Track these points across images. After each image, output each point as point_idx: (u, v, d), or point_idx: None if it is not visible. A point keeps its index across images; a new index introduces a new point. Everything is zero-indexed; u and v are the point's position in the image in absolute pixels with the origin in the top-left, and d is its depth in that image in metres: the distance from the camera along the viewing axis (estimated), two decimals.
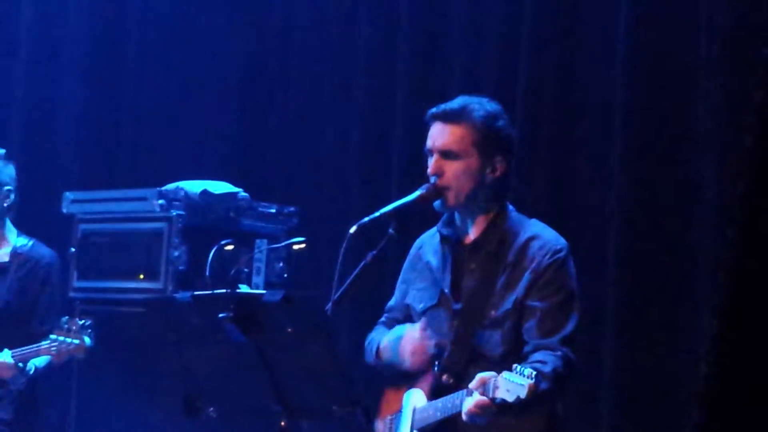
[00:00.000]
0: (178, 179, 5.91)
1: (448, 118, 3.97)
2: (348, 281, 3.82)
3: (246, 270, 5.72)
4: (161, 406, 5.51)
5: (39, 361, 5.35)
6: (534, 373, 3.46)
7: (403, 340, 3.93)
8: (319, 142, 6.39)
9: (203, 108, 6.88)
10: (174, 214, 5.70)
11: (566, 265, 3.92)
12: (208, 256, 5.60)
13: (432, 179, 3.95)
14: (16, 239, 5.64)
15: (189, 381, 3.89)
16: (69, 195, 6.08)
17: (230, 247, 5.65)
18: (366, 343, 4.18)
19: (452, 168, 3.93)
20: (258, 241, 5.81)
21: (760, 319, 1.82)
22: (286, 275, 5.86)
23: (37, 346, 5.20)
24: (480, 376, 3.58)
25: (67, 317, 5.25)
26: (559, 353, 3.78)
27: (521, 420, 3.81)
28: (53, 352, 5.19)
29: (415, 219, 4.11)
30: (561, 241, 3.96)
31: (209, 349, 3.80)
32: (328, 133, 6.37)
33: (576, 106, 5.45)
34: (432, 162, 3.97)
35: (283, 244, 5.49)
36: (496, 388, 3.50)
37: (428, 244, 4.15)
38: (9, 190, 5.61)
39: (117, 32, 7.22)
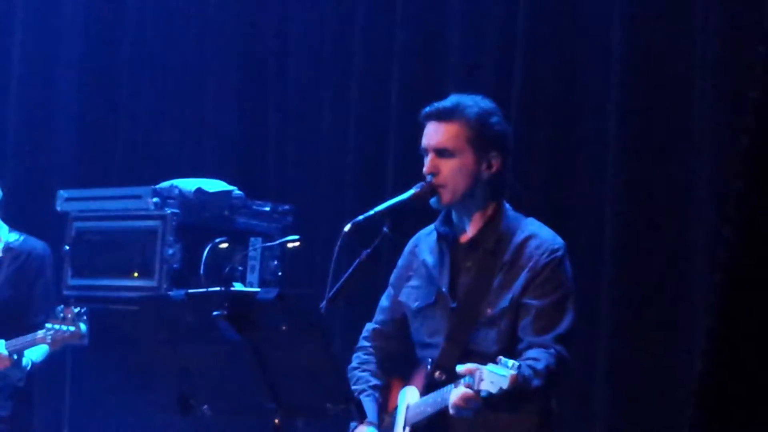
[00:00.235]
0: (172, 177, 5.90)
1: (441, 116, 3.98)
2: (342, 279, 3.82)
3: (240, 268, 5.72)
4: (155, 404, 5.50)
5: (35, 355, 5.36)
6: (517, 364, 3.48)
7: None
8: (314, 140, 6.39)
9: (198, 106, 6.88)
10: (168, 212, 5.69)
11: (563, 265, 3.92)
12: (202, 254, 5.59)
13: (428, 178, 3.95)
14: (7, 235, 5.65)
15: (183, 379, 3.88)
16: (63, 193, 6.07)
17: (225, 245, 5.65)
18: (350, 375, 4.15)
19: (448, 166, 3.94)
20: (252, 239, 5.81)
21: (756, 317, 1.82)
22: (280, 273, 5.86)
23: (32, 336, 5.22)
24: (468, 365, 3.58)
25: (62, 306, 5.27)
26: (552, 351, 3.79)
27: (515, 417, 3.82)
28: (49, 341, 5.20)
29: (410, 217, 4.11)
30: (558, 241, 3.97)
31: (203, 347, 3.80)
32: (323, 132, 6.36)
33: (572, 105, 5.45)
34: (427, 161, 3.98)
35: (277, 242, 5.49)
36: (480, 380, 3.51)
37: (424, 242, 4.14)
38: None
39: (113, 30, 7.21)
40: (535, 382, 3.68)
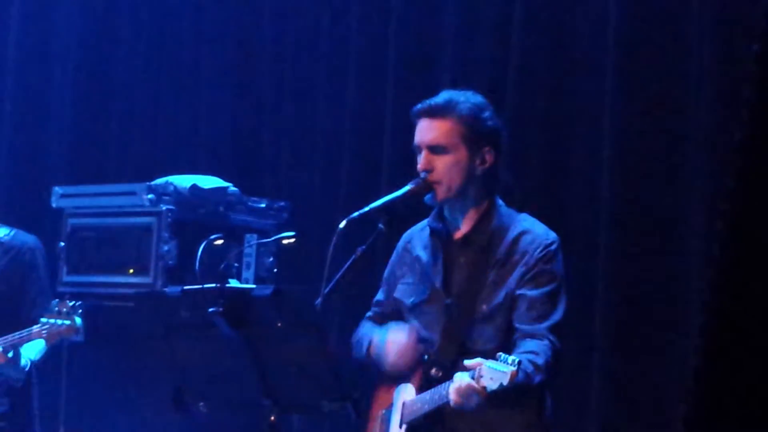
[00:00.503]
0: (167, 174, 5.90)
1: (434, 113, 3.98)
2: (338, 276, 3.82)
3: (236, 265, 5.72)
4: (151, 401, 5.51)
5: (33, 354, 5.35)
6: (517, 360, 3.48)
7: (389, 340, 3.94)
8: (309, 137, 6.39)
9: (194, 103, 6.87)
10: (163, 208, 5.69)
11: (556, 258, 3.94)
12: (197, 251, 5.59)
13: (422, 174, 3.96)
14: None
15: (179, 375, 3.89)
16: (58, 189, 6.07)
17: (220, 242, 5.64)
18: (354, 340, 4.18)
19: (442, 162, 3.94)
20: (248, 235, 5.81)
21: (748, 313, 1.82)
22: (275, 270, 5.86)
23: (28, 331, 5.20)
24: (467, 362, 3.59)
25: (57, 300, 5.25)
26: (546, 342, 3.80)
27: (511, 413, 3.83)
28: (44, 335, 5.19)
29: (405, 214, 4.11)
30: (552, 235, 3.98)
31: (199, 343, 3.80)
32: (318, 129, 6.36)
33: (567, 101, 5.44)
34: (421, 158, 3.98)
35: (272, 238, 5.48)
36: (480, 377, 3.52)
37: (417, 238, 4.15)
38: None
39: (107, 26, 7.21)
40: (538, 378, 3.72)
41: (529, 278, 3.89)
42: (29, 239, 5.62)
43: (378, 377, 4.15)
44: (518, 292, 3.88)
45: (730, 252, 1.84)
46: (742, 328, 1.83)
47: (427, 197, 3.98)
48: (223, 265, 5.52)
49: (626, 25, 5.19)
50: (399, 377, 4.02)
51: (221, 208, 5.84)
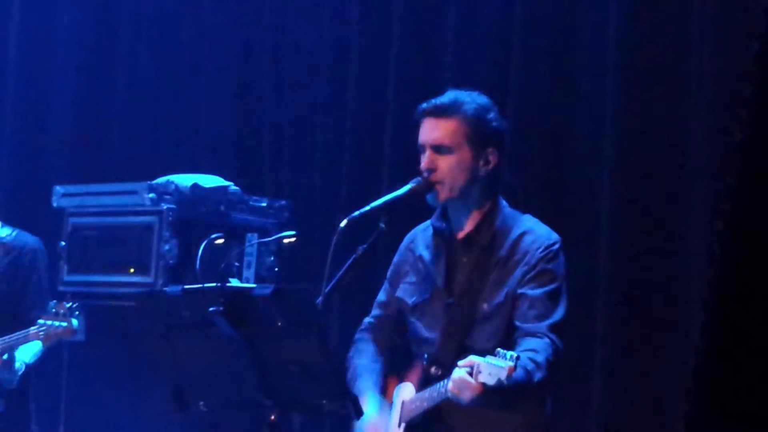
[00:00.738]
0: (168, 173, 5.90)
1: (439, 112, 3.98)
2: (338, 275, 3.82)
3: (236, 264, 5.72)
4: (152, 400, 5.51)
5: (27, 357, 5.35)
6: (515, 355, 3.47)
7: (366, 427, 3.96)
8: (310, 136, 6.39)
9: (195, 102, 6.87)
10: (164, 207, 5.69)
11: (558, 258, 3.94)
12: (198, 250, 5.59)
13: (424, 174, 3.96)
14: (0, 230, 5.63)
15: (179, 375, 3.88)
16: (59, 189, 6.07)
17: (221, 241, 5.64)
18: (348, 367, 4.15)
19: (445, 162, 3.94)
20: (249, 234, 5.81)
21: (749, 312, 1.83)
22: (276, 269, 5.86)
23: (25, 332, 5.21)
24: (460, 363, 3.58)
25: (55, 301, 5.25)
26: (547, 340, 3.80)
27: (510, 412, 3.82)
28: (41, 337, 5.19)
29: (406, 213, 4.11)
30: (554, 236, 3.99)
31: (199, 343, 3.80)
32: (319, 128, 6.36)
33: (569, 103, 5.44)
34: (425, 157, 3.98)
35: (273, 237, 5.49)
36: (479, 372, 3.51)
37: (420, 237, 4.15)
38: None
39: (108, 26, 7.20)
40: (538, 375, 3.71)
41: (531, 278, 3.89)
42: (31, 240, 5.62)
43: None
44: (519, 291, 3.88)
45: (730, 252, 1.84)
46: (742, 327, 1.83)
47: (429, 197, 3.98)
48: (223, 264, 5.52)
49: (627, 26, 5.19)
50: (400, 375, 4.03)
51: (222, 207, 5.84)
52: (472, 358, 3.54)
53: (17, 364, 5.31)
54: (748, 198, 1.82)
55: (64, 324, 5.18)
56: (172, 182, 5.77)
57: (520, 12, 5.56)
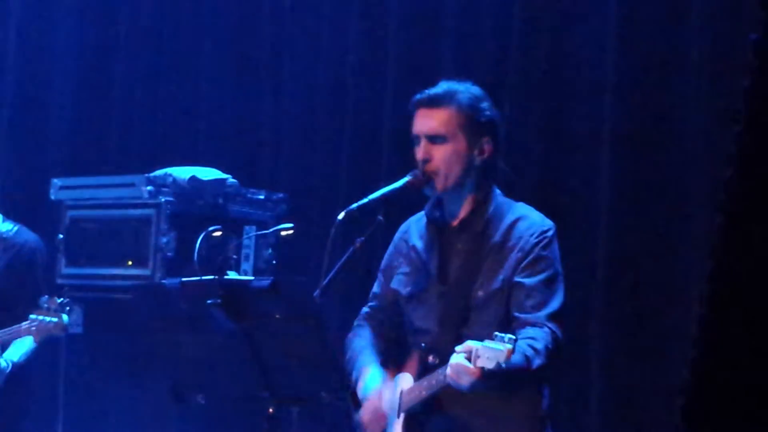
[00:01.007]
0: (166, 165, 5.89)
1: (433, 103, 3.98)
2: (336, 267, 3.81)
3: (234, 256, 5.72)
4: (150, 393, 5.51)
5: (16, 355, 5.33)
6: (513, 338, 3.46)
7: (364, 407, 3.94)
8: (308, 128, 6.38)
9: (193, 94, 6.87)
10: (162, 200, 5.69)
11: (553, 245, 3.93)
12: (196, 243, 5.59)
13: (421, 166, 3.96)
14: (1, 225, 5.62)
15: (177, 367, 3.88)
16: (57, 181, 6.07)
17: (218, 234, 5.64)
18: (346, 351, 4.15)
19: (441, 152, 3.94)
20: (246, 227, 5.81)
21: (747, 308, 1.82)
22: (274, 261, 5.86)
23: (17, 327, 5.20)
24: (465, 344, 3.57)
25: (46, 296, 5.24)
26: (546, 329, 3.79)
27: (509, 401, 3.83)
28: (33, 332, 5.18)
29: (404, 206, 4.10)
30: (547, 222, 3.98)
31: (197, 335, 3.80)
32: (317, 120, 6.36)
33: (566, 94, 5.44)
34: (420, 147, 3.98)
35: (271, 230, 5.48)
36: (477, 357, 3.49)
37: (414, 227, 4.15)
38: None
39: (108, 19, 7.20)
40: (537, 362, 3.69)
41: (526, 265, 3.87)
42: (31, 238, 5.62)
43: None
44: (515, 279, 3.87)
45: (728, 243, 1.83)
46: (740, 320, 1.83)
47: (426, 189, 3.98)
48: (221, 257, 5.52)
49: (625, 22, 5.18)
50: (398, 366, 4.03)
51: (220, 200, 5.83)
52: (470, 344, 3.53)
53: (3, 363, 5.30)
54: (746, 190, 1.82)
55: (55, 320, 5.17)
56: (170, 175, 5.76)
57: (518, 11, 5.55)
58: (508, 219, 3.96)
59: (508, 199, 4.05)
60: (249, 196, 5.96)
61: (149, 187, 5.69)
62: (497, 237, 3.94)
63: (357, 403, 3.71)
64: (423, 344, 3.95)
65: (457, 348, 3.57)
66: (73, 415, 5.95)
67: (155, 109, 6.98)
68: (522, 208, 4.02)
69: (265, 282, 3.66)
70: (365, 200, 3.91)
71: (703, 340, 1.81)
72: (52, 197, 6.05)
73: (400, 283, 4.11)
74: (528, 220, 3.96)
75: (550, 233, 3.94)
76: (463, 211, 4.01)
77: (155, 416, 5.58)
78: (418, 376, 3.92)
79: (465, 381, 3.56)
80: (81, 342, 5.69)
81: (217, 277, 3.77)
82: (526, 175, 5.27)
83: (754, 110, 1.79)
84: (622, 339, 5.10)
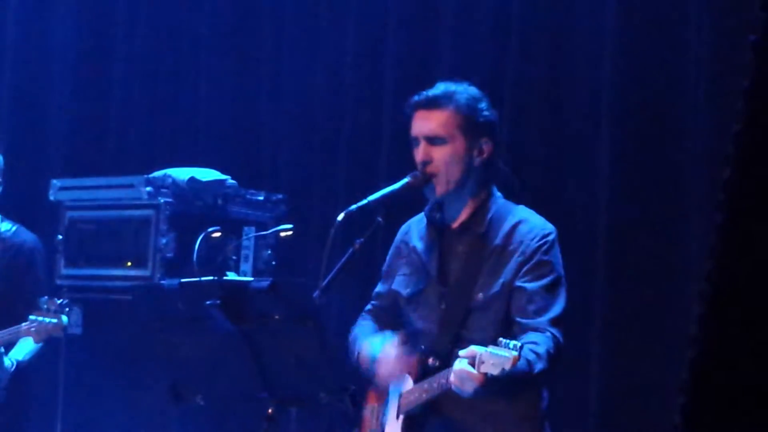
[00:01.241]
0: (165, 166, 5.89)
1: (431, 104, 3.97)
2: (336, 268, 3.81)
3: (234, 257, 5.72)
4: (149, 394, 5.50)
5: (20, 355, 5.34)
6: (519, 345, 3.43)
7: (379, 359, 3.92)
8: (307, 129, 6.38)
9: (192, 95, 6.86)
10: (161, 201, 5.69)
11: (554, 249, 3.92)
12: (195, 244, 5.59)
13: (420, 167, 3.95)
14: (0, 224, 5.62)
15: (176, 368, 3.88)
16: (56, 182, 6.07)
17: (218, 235, 5.64)
18: (350, 338, 4.15)
19: (440, 153, 3.93)
20: (246, 228, 5.81)
21: (746, 308, 1.82)
22: (273, 262, 5.85)
23: (16, 328, 5.20)
24: (469, 348, 3.56)
25: (46, 297, 5.24)
26: (548, 334, 3.78)
27: (509, 404, 3.82)
28: (33, 333, 5.18)
29: (404, 207, 4.10)
30: (549, 226, 3.97)
31: (197, 336, 3.80)
32: (316, 121, 6.35)
33: (565, 95, 5.44)
34: (419, 149, 3.97)
35: (270, 231, 5.48)
36: (481, 363, 3.47)
37: (414, 229, 4.14)
38: None
39: (105, 19, 7.19)
40: (539, 366, 3.68)
41: (527, 270, 3.86)
42: (30, 238, 5.62)
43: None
44: (517, 284, 3.86)
45: (727, 240, 1.83)
46: (739, 318, 1.83)
47: (426, 190, 3.97)
48: (221, 258, 5.52)
49: (624, 23, 5.19)
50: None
51: (219, 201, 5.83)
52: (474, 349, 3.51)
53: (7, 363, 5.30)
54: (745, 188, 1.82)
55: (54, 321, 5.18)
56: (169, 176, 5.76)
57: (516, 10, 5.55)
58: (509, 222, 3.95)
59: (509, 202, 4.05)
60: (248, 197, 5.96)
61: (148, 188, 5.69)
62: (498, 240, 3.93)
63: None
64: (423, 346, 3.94)
65: (461, 353, 3.55)
66: (72, 415, 5.94)
67: (154, 110, 6.98)
68: (523, 211, 4.02)
69: (265, 283, 3.67)
70: (365, 201, 3.91)
71: (702, 340, 1.81)
72: (52, 198, 6.05)
73: (400, 284, 4.10)
74: (529, 224, 3.95)
75: (551, 237, 3.93)
76: (464, 214, 4.01)
77: (154, 417, 5.57)
78: (418, 379, 3.91)
79: (468, 387, 3.55)
80: (81, 342, 5.68)
81: (216, 278, 3.77)
82: (525, 176, 5.27)
83: (753, 110, 1.79)
84: (622, 339, 5.10)
